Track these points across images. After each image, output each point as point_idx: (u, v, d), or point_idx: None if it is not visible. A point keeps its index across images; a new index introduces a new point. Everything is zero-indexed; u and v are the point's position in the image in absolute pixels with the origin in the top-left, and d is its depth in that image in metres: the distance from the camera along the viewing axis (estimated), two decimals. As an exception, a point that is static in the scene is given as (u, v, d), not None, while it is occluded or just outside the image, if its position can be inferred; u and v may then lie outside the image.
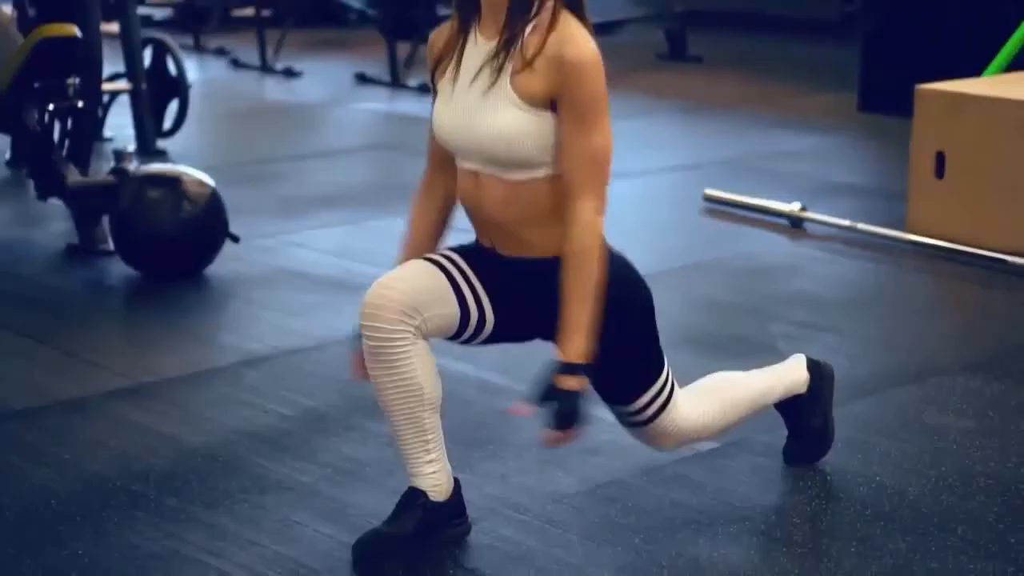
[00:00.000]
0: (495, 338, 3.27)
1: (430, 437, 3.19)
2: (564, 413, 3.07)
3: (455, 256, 3.23)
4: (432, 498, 3.22)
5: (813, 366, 3.72)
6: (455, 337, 3.22)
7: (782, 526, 3.42)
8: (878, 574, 3.19)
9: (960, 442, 3.91)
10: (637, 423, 3.40)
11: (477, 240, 3.29)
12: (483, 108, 3.07)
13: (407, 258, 3.27)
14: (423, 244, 3.32)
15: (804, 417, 3.70)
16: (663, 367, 3.36)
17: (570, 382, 3.05)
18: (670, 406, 3.38)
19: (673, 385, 3.40)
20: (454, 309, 3.16)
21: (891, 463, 3.77)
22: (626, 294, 3.24)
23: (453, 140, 3.15)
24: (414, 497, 3.22)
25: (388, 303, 3.07)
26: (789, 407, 3.70)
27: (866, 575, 3.18)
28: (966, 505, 3.53)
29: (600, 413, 4.06)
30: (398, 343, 3.08)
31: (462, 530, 3.32)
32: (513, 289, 3.21)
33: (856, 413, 4.10)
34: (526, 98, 3.04)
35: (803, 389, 3.68)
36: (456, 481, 3.29)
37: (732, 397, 3.54)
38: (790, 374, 3.68)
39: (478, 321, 3.20)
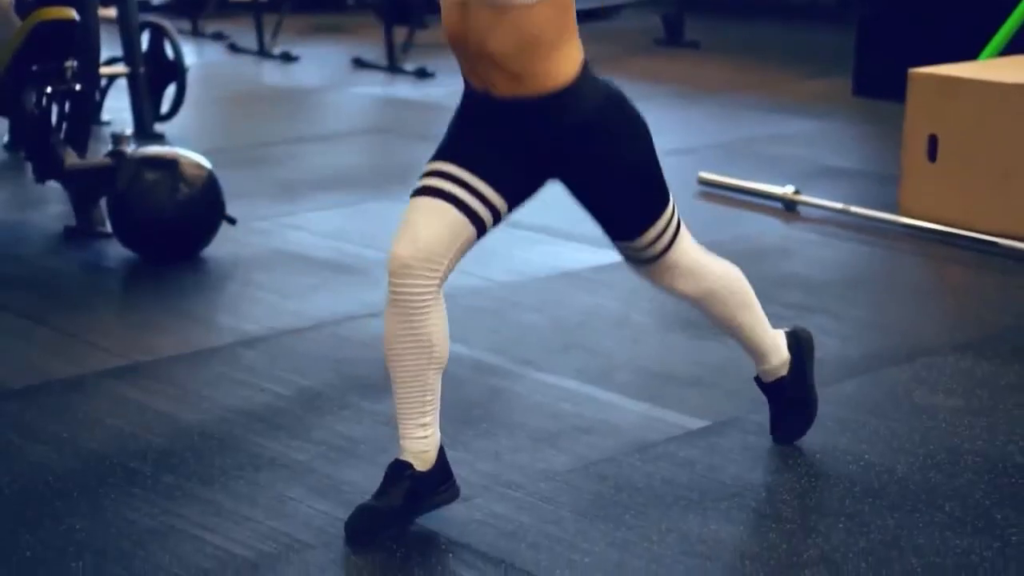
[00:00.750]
0: (515, 207, 3.31)
1: (429, 399, 3.24)
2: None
3: (450, 168, 3.22)
4: (418, 468, 3.26)
5: (793, 343, 3.76)
6: (480, 237, 3.28)
7: (771, 503, 3.47)
8: (866, 549, 3.23)
9: (949, 421, 3.95)
10: (649, 258, 3.44)
11: (468, 87, 3.26)
12: None
13: None
14: None
15: (786, 393, 3.73)
16: (668, 197, 3.40)
17: None
18: (679, 239, 3.45)
19: (679, 219, 3.46)
20: (470, 231, 3.22)
21: (880, 441, 3.81)
22: (626, 123, 3.27)
23: None
24: (401, 469, 3.26)
25: (412, 260, 3.14)
26: (770, 387, 3.73)
27: (854, 550, 3.22)
28: (954, 482, 3.57)
29: (592, 392, 4.11)
30: (421, 297, 3.16)
31: (450, 495, 3.34)
32: (515, 144, 3.22)
33: (847, 393, 4.14)
34: None
35: (784, 370, 3.72)
36: (440, 448, 3.32)
37: (738, 277, 3.63)
38: (776, 343, 3.72)
39: (493, 219, 3.26)
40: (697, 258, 3.52)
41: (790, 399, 3.74)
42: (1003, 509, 3.43)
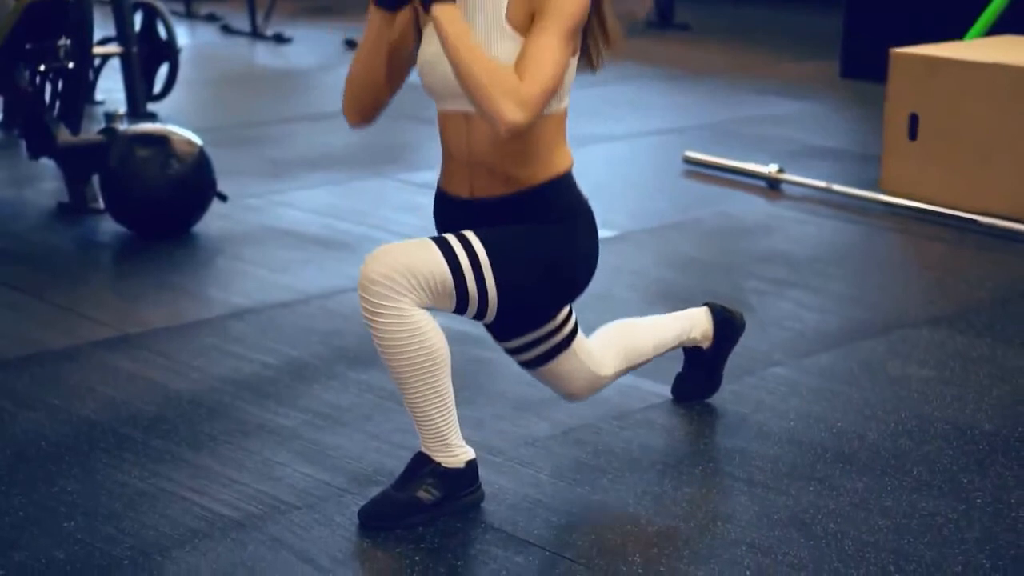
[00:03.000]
0: None
1: (448, 402, 3.21)
2: None
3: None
4: (446, 465, 3.26)
5: (724, 319, 3.87)
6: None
7: (744, 467, 3.56)
8: (835, 511, 3.32)
9: (921, 390, 4.05)
10: (539, 361, 3.47)
11: (441, 195, 3.34)
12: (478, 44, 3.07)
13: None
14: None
15: (700, 361, 3.88)
16: (565, 302, 3.38)
17: None
18: (568, 349, 3.48)
19: (573, 332, 3.48)
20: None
21: (853, 410, 3.91)
22: (557, 232, 3.25)
23: (442, 80, 3.16)
24: (424, 462, 3.26)
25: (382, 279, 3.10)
26: (689, 351, 3.89)
27: (823, 511, 3.32)
28: (923, 448, 3.67)
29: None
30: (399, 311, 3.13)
31: (475, 497, 3.32)
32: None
33: (822, 364, 4.24)
34: (519, 28, 3.11)
35: (705, 344, 3.85)
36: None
37: (636, 346, 3.67)
38: (698, 326, 3.83)
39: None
40: (593, 361, 3.55)
41: (702, 367, 3.88)
42: (969, 474, 3.52)
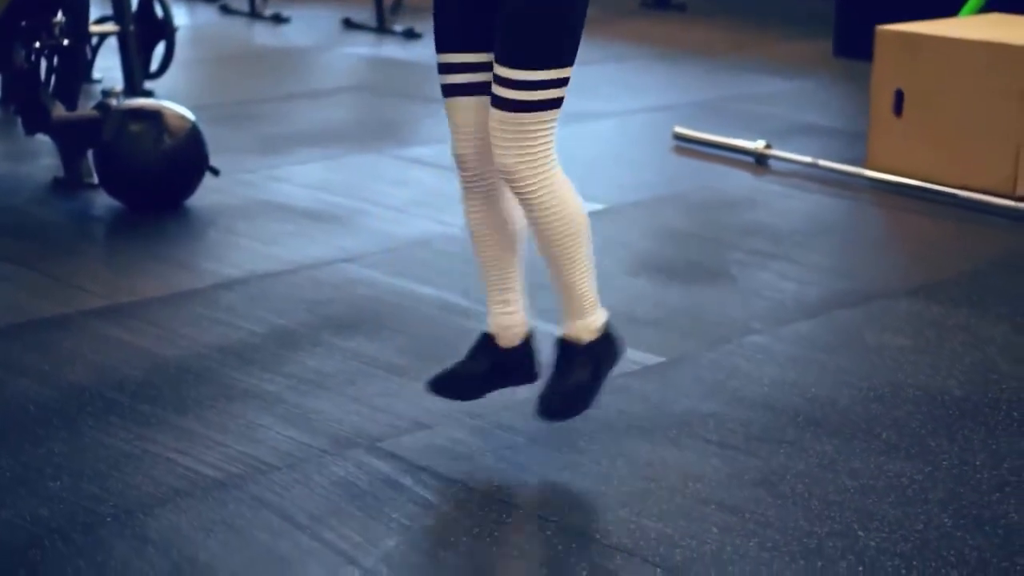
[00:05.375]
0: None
1: (511, 276, 3.49)
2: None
3: (449, 57, 3.36)
4: (501, 344, 3.52)
5: (607, 335, 3.53)
6: None
7: (718, 431, 3.64)
8: (803, 472, 3.40)
9: (895, 358, 4.12)
10: (510, 104, 3.24)
11: None
12: None
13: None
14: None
15: (574, 365, 3.49)
16: (566, 63, 3.26)
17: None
18: (548, 114, 3.26)
19: (560, 102, 3.29)
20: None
21: (827, 376, 3.99)
22: None
23: None
24: (484, 340, 3.54)
25: (465, 152, 3.38)
26: (565, 347, 3.51)
27: (792, 472, 3.40)
28: (893, 413, 3.74)
29: (552, 329, 4.27)
30: (485, 180, 3.40)
31: (529, 378, 3.59)
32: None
33: (800, 332, 4.32)
34: None
35: (588, 334, 3.48)
36: (529, 337, 3.56)
37: (580, 217, 3.37)
38: (594, 313, 3.50)
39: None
40: (550, 159, 3.30)
41: (577, 371, 3.48)
42: (937, 438, 3.60)
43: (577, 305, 3.47)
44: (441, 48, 3.40)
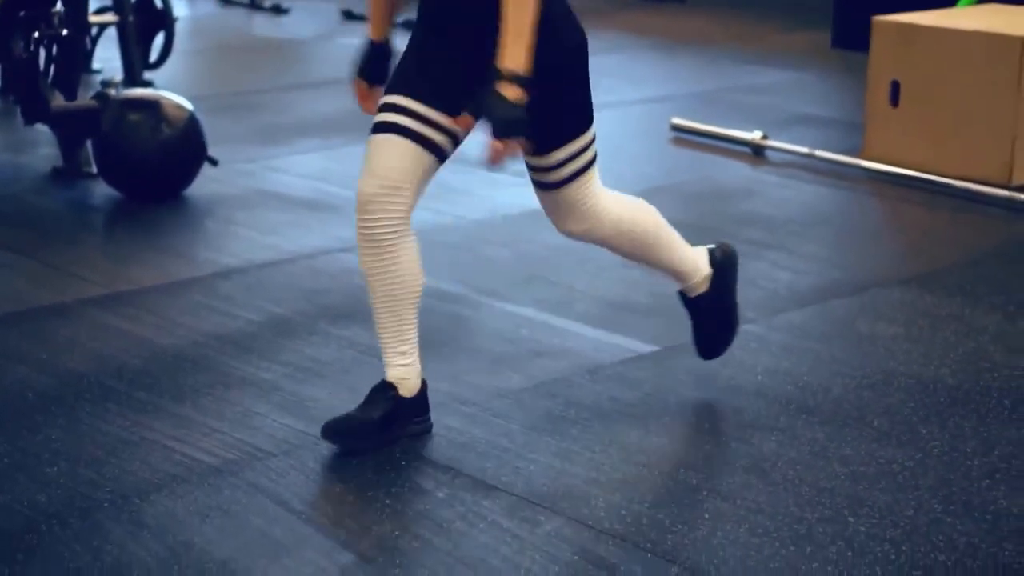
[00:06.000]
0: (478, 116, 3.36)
1: (406, 328, 3.44)
2: (506, 120, 3.16)
3: (404, 101, 3.35)
4: (400, 392, 3.46)
5: (718, 258, 3.83)
6: (443, 161, 3.41)
7: (710, 419, 3.67)
8: (795, 459, 3.43)
9: (888, 346, 4.15)
10: (551, 184, 3.47)
11: (423, 26, 3.39)
12: None
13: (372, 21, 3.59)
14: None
15: (707, 308, 3.82)
16: (590, 125, 3.45)
17: (511, 91, 3.16)
18: (587, 176, 3.48)
19: (595, 158, 3.49)
20: (428, 158, 3.35)
21: (820, 365, 4.01)
22: (563, 30, 3.33)
23: None
24: (384, 389, 3.47)
25: (374, 195, 3.32)
26: (692, 302, 3.82)
27: (784, 459, 3.42)
28: (885, 400, 3.77)
29: (550, 319, 4.30)
30: (389, 229, 3.34)
31: (423, 427, 3.54)
32: (457, 49, 3.33)
33: (794, 321, 4.34)
34: None
35: (705, 286, 3.80)
36: (423, 382, 3.52)
37: (643, 219, 3.65)
38: (696, 257, 3.79)
39: (452, 142, 3.38)
40: (601, 204, 3.55)
41: (711, 315, 3.83)
42: (928, 425, 3.63)
43: (679, 272, 3.78)
44: (400, 91, 3.37)
